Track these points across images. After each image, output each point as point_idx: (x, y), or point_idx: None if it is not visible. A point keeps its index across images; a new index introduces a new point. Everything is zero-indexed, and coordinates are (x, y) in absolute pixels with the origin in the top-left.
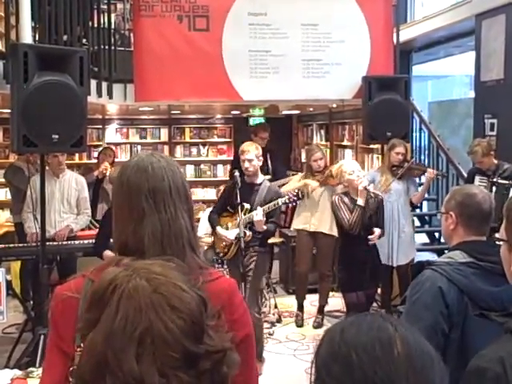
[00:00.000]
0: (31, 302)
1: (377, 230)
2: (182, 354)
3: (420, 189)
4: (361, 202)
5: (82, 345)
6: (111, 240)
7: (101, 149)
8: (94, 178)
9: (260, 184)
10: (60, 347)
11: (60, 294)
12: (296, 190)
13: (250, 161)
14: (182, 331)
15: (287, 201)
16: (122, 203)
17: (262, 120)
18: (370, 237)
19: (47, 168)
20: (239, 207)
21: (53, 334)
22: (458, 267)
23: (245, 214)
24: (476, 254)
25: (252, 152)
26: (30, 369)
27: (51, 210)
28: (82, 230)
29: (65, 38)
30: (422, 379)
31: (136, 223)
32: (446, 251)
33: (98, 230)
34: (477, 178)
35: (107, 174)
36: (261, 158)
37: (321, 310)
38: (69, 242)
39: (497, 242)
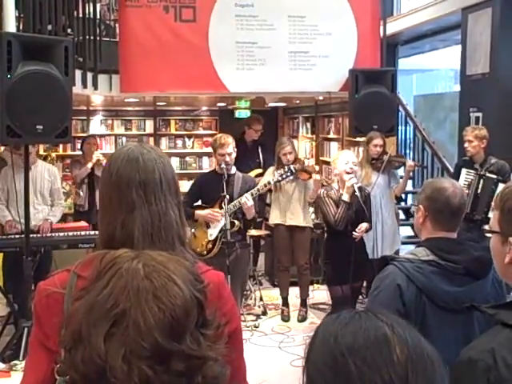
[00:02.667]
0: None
1: (363, 225)
2: (152, 346)
3: (401, 181)
4: (346, 197)
5: None
6: None
7: (82, 139)
8: (88, 170)
9: (234, 174)
10: (44, 344)
11: (44, 290)
12: (288, 166)
13: (229, 154)
14: (157, 323)
15: (280, 178)
16: (111, 194)
17: (248, 112)
18: (354, 233)
19: (17, 160)
20: (225, 199)
21: (36, 331)
22: (418, 265)
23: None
24: (439, 252)
25: (231, 145)
26: (14, 362)
27: (29, 203)
28: (64, 221)
29: (49, 27)
30: (423, 383)
31: (125, 215)
32: None
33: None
34: (463, 171)
35: (103, 163)
36: (235, 149)
37: (303, 303)
38: (52, 234)
39: (486, 235)
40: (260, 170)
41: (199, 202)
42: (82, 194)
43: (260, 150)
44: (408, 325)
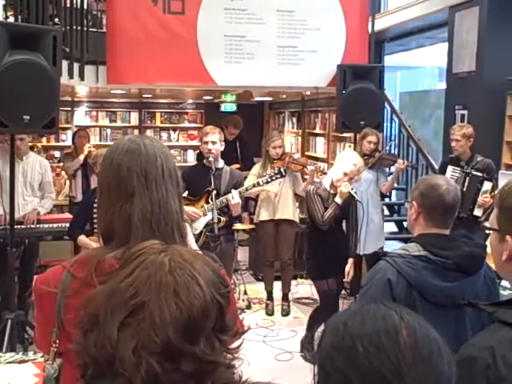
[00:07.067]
0: None
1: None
2: (163, 342)
3: (389, 178)
4: (339, 200)
5: (57, 341)
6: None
7: (74, 132)
8: (80, 162)
9: (221, 168)
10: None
11: (38, 289)
12: (278, 167)
13: (213, 143)
14: (173, 320)
15: (269, 179)
16: (110, 181)
17: (234, 106)
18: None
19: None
20: (213, 193)
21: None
22: (409, 260)
23: (212, 200)
24: (431, 247)
25: (216, 135)
26: None
27: (14, 193)
28: (50, 213)
29: (36, 16)
30: (430, 367)
31: (124, 201)
32: None
33: (75, 212)
34: (449, 168)
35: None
36: (223, 143)
37: (285, 298)
38: (37, 226)
39: (486, 232)
40: (238, 166)
41: (185, 194)
42: (73, 185)
43: (238, 145)
44: (417, 314)
